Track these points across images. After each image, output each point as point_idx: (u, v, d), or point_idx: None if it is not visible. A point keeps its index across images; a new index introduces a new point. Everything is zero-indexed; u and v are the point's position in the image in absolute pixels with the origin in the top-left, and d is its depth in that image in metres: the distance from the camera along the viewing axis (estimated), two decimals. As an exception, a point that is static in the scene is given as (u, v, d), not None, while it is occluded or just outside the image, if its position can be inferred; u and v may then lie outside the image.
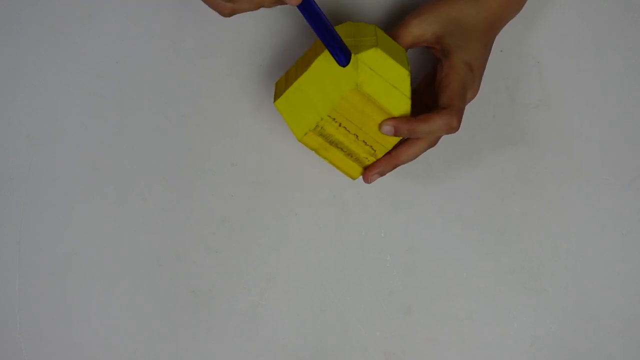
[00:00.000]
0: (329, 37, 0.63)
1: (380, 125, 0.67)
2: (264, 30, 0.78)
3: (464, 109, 0.68)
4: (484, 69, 0.70)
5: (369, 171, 0.71)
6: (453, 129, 0.67)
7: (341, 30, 0.69)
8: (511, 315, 0.79)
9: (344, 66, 0.65)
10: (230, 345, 0.79)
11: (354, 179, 0.72)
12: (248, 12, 0.77)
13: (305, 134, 0.68)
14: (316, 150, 0.70)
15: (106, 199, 0.79)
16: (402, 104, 0.66)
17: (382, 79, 0.65)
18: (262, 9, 0.64)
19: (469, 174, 0.79)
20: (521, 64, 0.78)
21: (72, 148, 0.78)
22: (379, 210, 0.79)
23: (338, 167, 0.71)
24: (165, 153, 0.78)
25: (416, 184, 0.79)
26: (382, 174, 0.71)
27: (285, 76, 0.71)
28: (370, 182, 0.71)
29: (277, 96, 0.70)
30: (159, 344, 0.79)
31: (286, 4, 0.59)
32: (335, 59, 0.65)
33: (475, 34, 0.69)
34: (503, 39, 0.78)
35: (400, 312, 0.79)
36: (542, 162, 0.79)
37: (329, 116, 0.66)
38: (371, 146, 0.69)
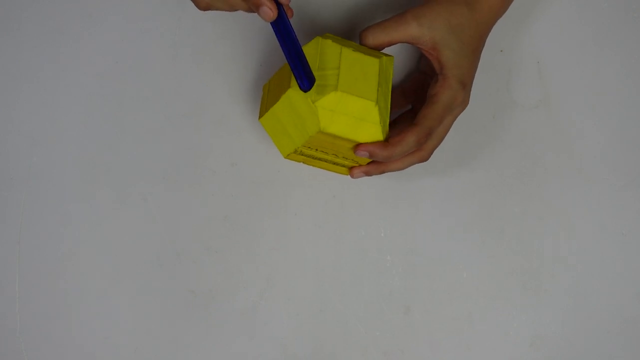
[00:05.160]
0: (296, 61, 0.63)
1: (354, 150, 0.67)
2: (263, 30, 0.78)
3: (436, 128, 0.69)
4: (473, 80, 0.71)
5: (356, 169, 0.72)
6: (421, 143, 0.68)
7: (308, 52, 0.66)
8: (511, 315, 0.79)
9: (305, 91, 0.64)
10: (230, 345, 0.79)
11: (345, 175, 0.75)
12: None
13: (288, 155, 0.70)
14: (304, 162, 0.72)
15: (106, 199, 0.79)
16: (372, 132, 0.66)
17: (347, 117, 0.65)
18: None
19: (468, 173, 0.79)
20: (521, 64, 0.78)
21: (72, 148, 0.78)
22: (378, 210, 0.79)
23: (330, 171, 0.74)
24: (165, 153, 0.78)
25: (416, 184, 0.79)
26: (368, 175, 0.72)
27: (268, 84, 0.71)
28: (354, 178, 0.73)
29: (261, 111, 0.71)
30: (159, 344, 0.79)
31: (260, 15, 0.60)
32: (297, 83, 0.64)
33: (470, 48, 0.69)
34: (503, 39, 0.78)
35: (400, 311, 0.79)
36: (542, 162, 0.79)
37: (304, 144, 0.67)
38: (352, 159, 0.70)
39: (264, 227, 0.79)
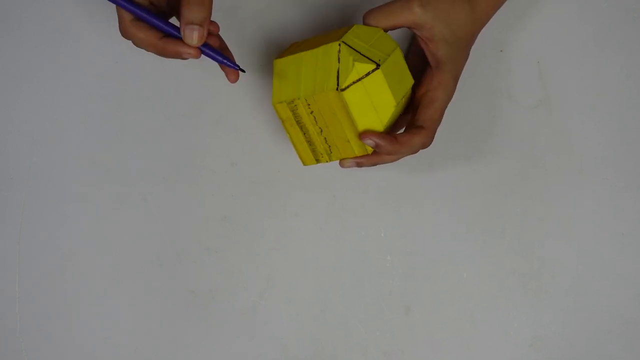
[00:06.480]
0: (223, 58, 0.66)
1: (361, 135, 0.66)
2: (264, 31, 0.78)
3: (437, 128, 0.70)
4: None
5: (347, 159, 0.70)
6: (426, 147, 0.69)
7: (367, 30, 0.68)
8: (511, 315, 0.79)
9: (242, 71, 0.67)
10: (230, 345, 0.79)
11: (304, 164, 0.72)
12: (251, 12, 0.78)
13: (280, 102, 0.68)
14: (283, 122, 0.69)
15: (106, 198, 0.79)
16: (374, 126, 0.66)
17: (366, 96, 0.65)
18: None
19: (469, 173, 0.79)
20: (521, 64, 0.78)
21: (72, 148, 0.78)
22: (379, 210, 0.79)
23: (295, 147, 0.71)
24: (165, 153, 0.78)
25: (416, 184, 0.79)
26: (359, 166, 0.70)
27: (296, 44, 0.72)
28: (344, 167, 0.71)
29: (281, 55, 0.70)
30: (159, 344, 0.79)
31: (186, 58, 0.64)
32: (232, 67, 0.67)
33: (463, 43, 0.69)
34: (503, 39, 0.78)
35: (400, 312, 0.79)
36: (542, 162, 0.79)
37: (305, 99, 0.66)
38: (329, 146, 0.69)
39: (264, 227, 0.79)
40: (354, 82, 0.64)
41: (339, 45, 0.65)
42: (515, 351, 0.79)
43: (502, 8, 0.74)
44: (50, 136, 0.78)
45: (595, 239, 0.79)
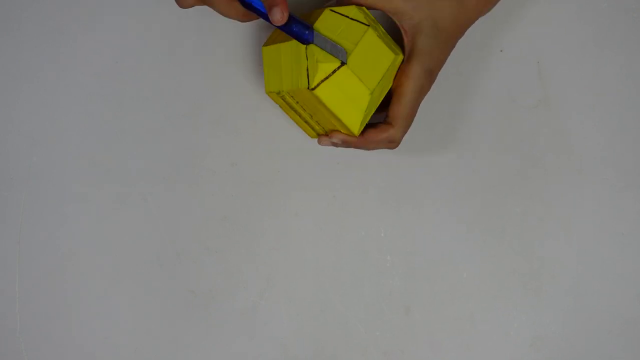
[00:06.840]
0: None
1: (330, 135, 0.69)
2: (264, 30, 0.78)
3: (409, 125, 0.68)
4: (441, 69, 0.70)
5: (324, 138, 0.71)
6: (394, 144, 0.68)
7: (337, 15, 0.67)
8: (511, 315, 0.79)
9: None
10: (230, 345, 0.79)
11: (312, 137, 0.74)
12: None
13: (270, 92, 0.69)
14: (280, 106, 0.71)
15: (106, 198, 0.79)
16: (353, 115, 0.66)
17: (339, 90, 0.65)
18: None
19: (469, 173, 0.79)
20: (521, 64, 0.78)
21: (72, 148, 0.78)
22: (379, 210, 0.79)
23: (298, 125, 0.74)
24: (165, 153, 0.78)
25: (416, 184, 0.79)
26: (335, 146, 0.71)
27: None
28: (322, 145, 0.71)
29: (267, 42, 0.70)
30: (159, 344, 0.79)
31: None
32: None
33: (445, 36, 0.67)
34: (503, 39, 0.78)
35: (400, 312, 0.79)
36: (542, 162, 0.79)
37: (288, 92, 0.67)
38: (323, 127, 0.70)
39: (264, 227, 0.79)
40: (322, 81, 0.64)
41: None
42: (515, 351, 0.79)
43: (501, 8, 0.74)
44: (50, 136, 0.78)
45: (595, 239, 0.79)
